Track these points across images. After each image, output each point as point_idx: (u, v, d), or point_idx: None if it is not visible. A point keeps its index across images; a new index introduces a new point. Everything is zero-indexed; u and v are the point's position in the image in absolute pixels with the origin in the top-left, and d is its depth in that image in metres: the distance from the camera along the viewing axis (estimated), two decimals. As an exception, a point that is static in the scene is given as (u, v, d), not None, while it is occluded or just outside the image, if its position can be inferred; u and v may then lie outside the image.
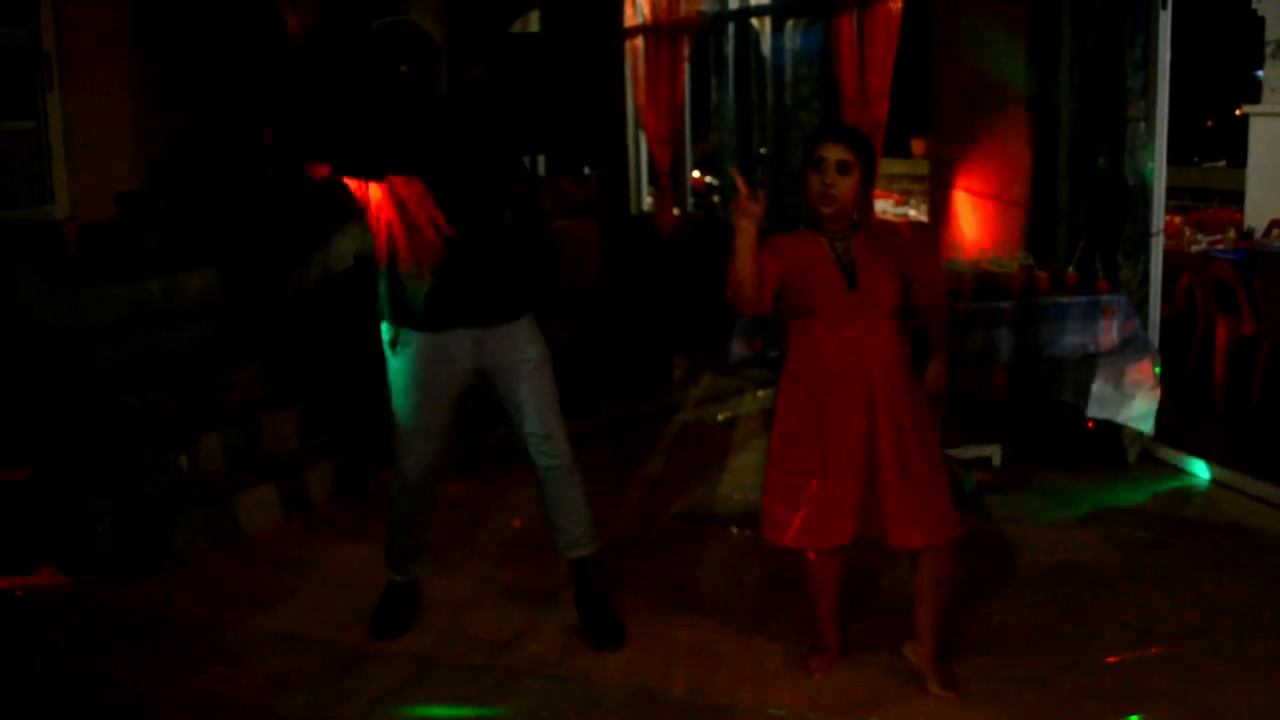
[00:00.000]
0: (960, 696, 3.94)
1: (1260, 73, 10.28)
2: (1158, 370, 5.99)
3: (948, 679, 3.99)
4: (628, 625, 4.49)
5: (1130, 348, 5.94)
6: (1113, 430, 6.16)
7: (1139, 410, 6.00)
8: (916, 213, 9.66)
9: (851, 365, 3.84)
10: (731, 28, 9.86)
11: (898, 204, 10.11)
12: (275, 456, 5.96)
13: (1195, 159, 11.39)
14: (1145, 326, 6.08)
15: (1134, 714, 3.83)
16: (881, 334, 3.86)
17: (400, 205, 4.13)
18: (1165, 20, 5.95)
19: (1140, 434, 6.12)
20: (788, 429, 3.96)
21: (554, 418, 4.40)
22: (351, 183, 4.17)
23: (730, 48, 9.94)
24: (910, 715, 3.88)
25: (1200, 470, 6.01)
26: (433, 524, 4.65)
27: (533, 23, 11.60)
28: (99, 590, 4.95)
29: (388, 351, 4.35)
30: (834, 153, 3.79)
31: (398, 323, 4.28)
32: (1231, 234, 7.80)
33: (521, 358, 4.32)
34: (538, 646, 4.43)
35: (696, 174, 11.43)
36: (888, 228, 4.12)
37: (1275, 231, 8.14)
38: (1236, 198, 9.63)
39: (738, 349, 6.59)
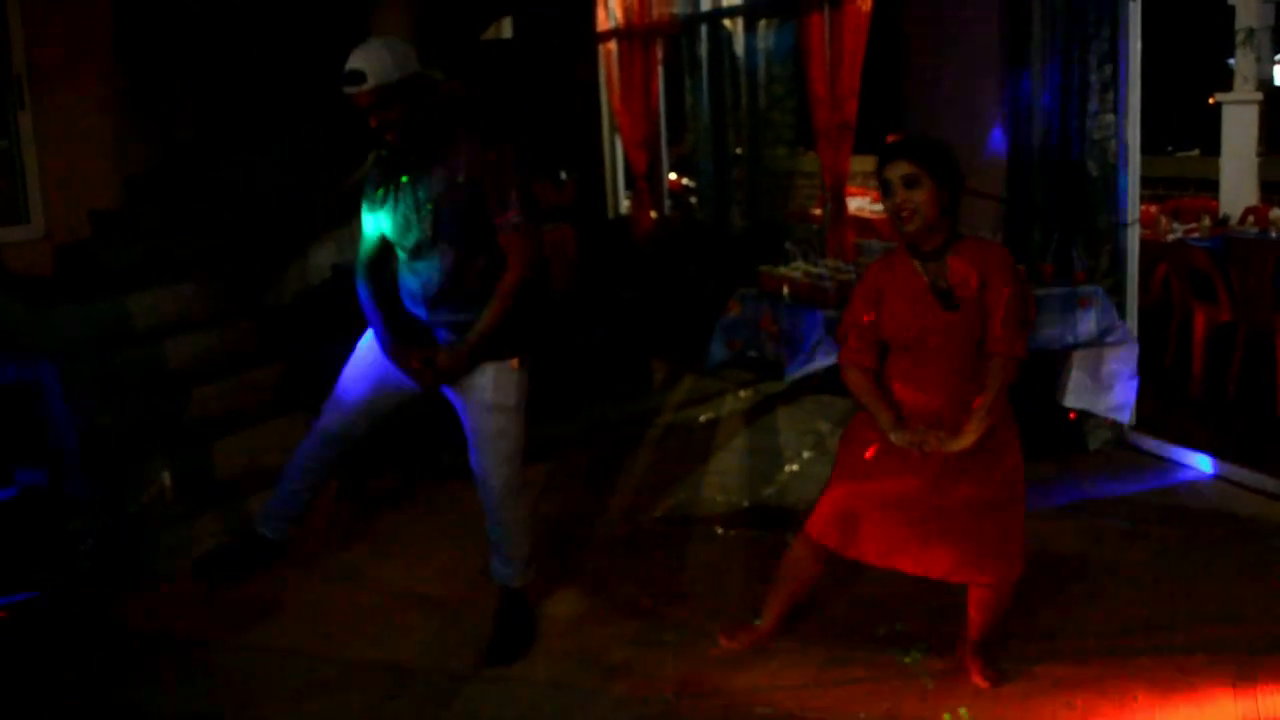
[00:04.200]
0: (951, 690, 3.95)
1: (1232, 61, 10.32)
2: (1136, 359, 6.02)
3: (987, 671, 4.00)
4: (614, 627, 4.48)
5: (1108, 338, 5.96)
6: (1077, 418, 6.19)
7: (1118, 400, 6.02)
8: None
9: (932, 403, 3.77)
10: (704, 29, 9.88)
11: (875, 200, 10.12)
12: (262, 468, 5.93)
13: (1169, 148, 11.43)
14: (1123, 316, 6.10)
15: (1119, 702, 3.84)
16: (969, 368, 3.75)
17: None
18: (1135, 11, 5.98)
19: (1104, 422, 6.14)
20: (860, 438, 3.91)
21: (498, 461, 4.41)
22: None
23: (703, 49, 9.96)
24: (901, 713, 3.89)
25: (1181, 458, 6.03)
26: (307, 496, 4.84)
27: (506, 29, 11.60)
28: (82, 609, 4.92)
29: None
30: (896, 170, 3.67)
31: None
32: (1206, 222, 7.83)
33: (482, 397, 4.36)
34: (528, 649, 4.42)
35: (673, 176, 11.43)
36: (983, 246, 3.85)
37: (1250, 219, 8.17)
38: (1210, 186, 9.67)
39: (718, 350, 6.61)
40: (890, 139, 3.80)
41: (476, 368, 4.32)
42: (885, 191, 3.71)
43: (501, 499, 4.46)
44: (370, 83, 4.10)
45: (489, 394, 4.34)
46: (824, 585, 4.77)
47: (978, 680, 3.99)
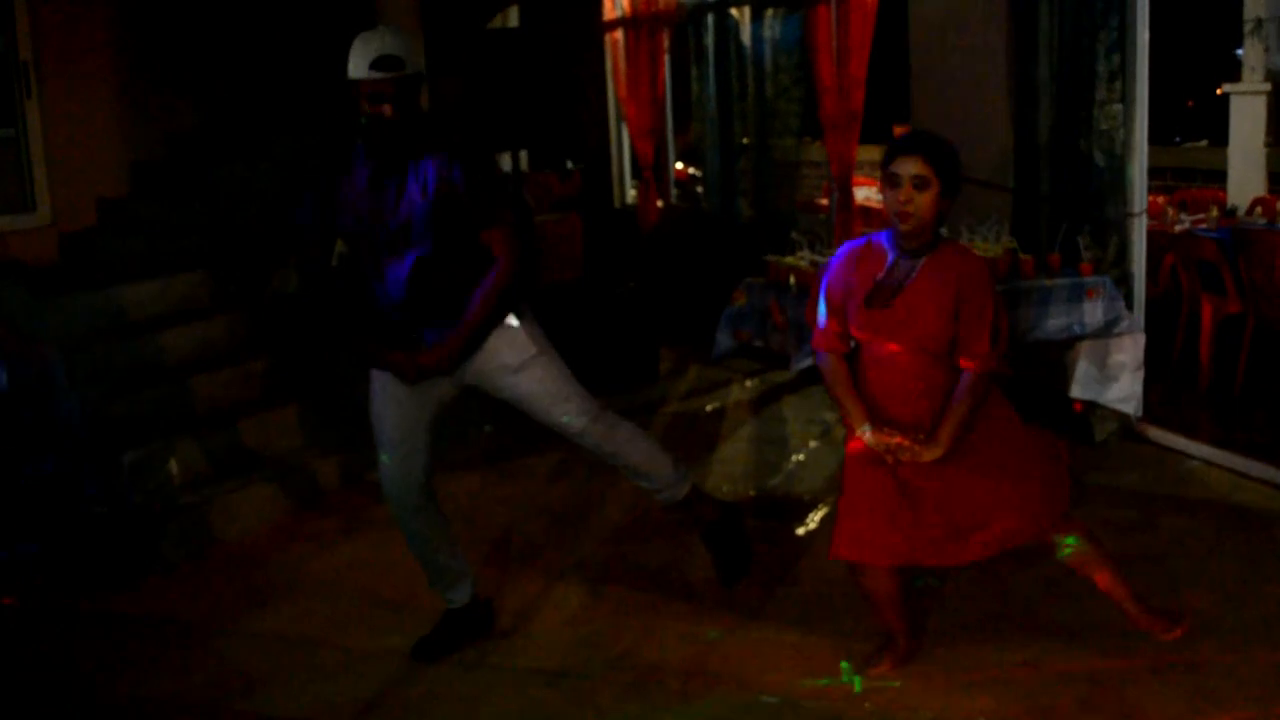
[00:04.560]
0: (951, 679, 3.95)
1: (1240, 51, 10.28)
2: (1143, 350, 6.01)
3: (1159, 621, 4.06)
4: (620, 615, 4.49)
5: (1115, 328, 5.95)
6: (1084, 409, 6.18)
7: (1124, 391, 6.01)
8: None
9: (884, 393, 3.75)
10: (711, 19, 9.86)
11: (880, 190, 10.09)
12: (266, 457, 5.94)
13: (1177, 139, 11.38)
14: (1130, 307, 6.09)
15: (1126, 693, 3.83)
16: (916, 367, 3.71)
17: None
18: (1143, 1, 5.95)
19: (1111, 414, 6.13)
20: (852, 446, 3.86)
21: (559, 407, 4.25)
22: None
23: (710, 38, 9.94)
24: (904, 700, 3.88)
25: (1188, 450, 6.01)
26: (450, 543, 4.44)
27: (512, 18, 11.58)
28: (88, 597, 4.93)
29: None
30: (909, 167, 3.62)
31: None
32: (1214, 213, 7.79)
33: (499, 365, 4.20)
34: (528, 640, 4.43)
35: (679, 166, 11.42)
36: (960, 255, 3.79)
37: (1258, 209, 8.14)
38: (1219, 177, 9.63)
39: (724, 340, 6.60)
40: (898, 131, 3.77)
41: (477, 349, 4.18)
42: (891, 184, 3.65)
43: (596, 434, 4.30)
44: (406, 69, 3.96)
45: (506, 359, 4.19)
46: (837, 579, 4.79)
47: (1160, 634, 4.04)
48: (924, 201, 3.62)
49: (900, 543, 3.79)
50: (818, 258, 6.27)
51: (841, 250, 3.91)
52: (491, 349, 4.18)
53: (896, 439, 3.69)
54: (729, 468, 6.22)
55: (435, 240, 4.07)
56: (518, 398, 4.25)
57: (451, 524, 4.46)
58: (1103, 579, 4.01)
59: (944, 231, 3.86)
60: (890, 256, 3.75)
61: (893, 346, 3.71)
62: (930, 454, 3.69)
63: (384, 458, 4.24)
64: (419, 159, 4.06)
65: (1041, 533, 3.88)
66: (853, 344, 3.85)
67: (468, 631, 4.45)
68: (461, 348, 4.10)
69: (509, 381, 4.21)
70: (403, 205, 4.06)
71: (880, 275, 3.73)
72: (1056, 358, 6.07)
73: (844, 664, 4.08)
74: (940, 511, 3.77)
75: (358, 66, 3.98)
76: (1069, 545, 3.93)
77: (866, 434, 3.74)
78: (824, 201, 9.47)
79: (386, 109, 3.99)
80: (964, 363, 3.69)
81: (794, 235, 6.57)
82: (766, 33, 9.87)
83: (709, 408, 7.37)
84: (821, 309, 3.88)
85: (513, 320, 4.21)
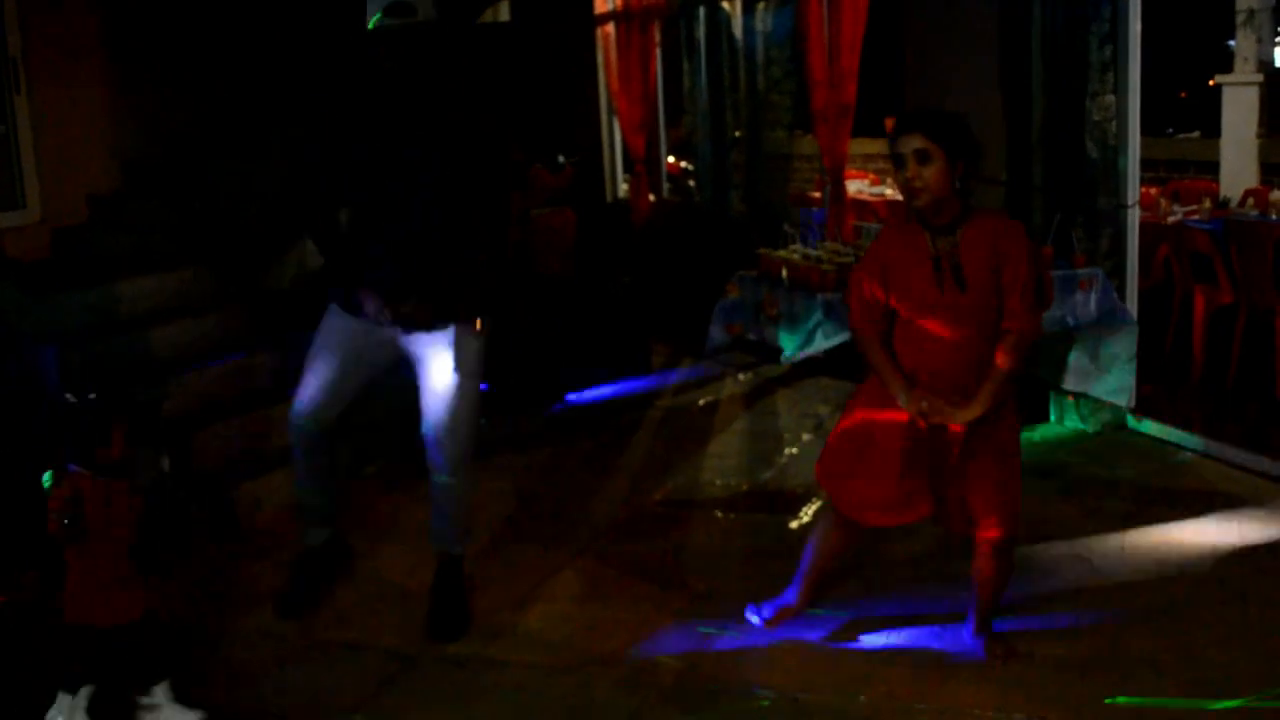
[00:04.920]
0: (947, 672, 3.95)
1: (1232, 43, 10.28)
2: (1135, 342, 6.01)
3: (994, 647, 4.04)
4: (614, 610, 4.48)
5: (1108, 320, 5.95)
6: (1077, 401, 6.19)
7: (1117, 382, 6.01)
8: (892, 191, 9.65)
9: (942, 371, 3.76)
10: (702, 12, 9.85)
11: (874, 183, 10.10)
12: (259, 453, 5.92)
13: (1169, 130, 11.39)
14: (1123, 298, 6.09)
15: (1121, 684, 3.83)
16: (978, 340, 3.72)
17: None
18: (1135, -8, 5.96)
19: (1103, 405, 6.14)
20: (870, 402, 3.89)
21: (449, 420, 4.39)
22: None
23: (702, 32, 9.94)
24: (901, 694, 3.88)
25: (1180, 441, 6.02)
26: (333, 489, 4.77)
27: (503, 12, 11.56)
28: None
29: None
30: (909, 143, 3.63)
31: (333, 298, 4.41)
32: (1207, 204, 7.80)
33: (441, 355, 4.34)
34: (521, 635, 4.42)
35: (671, 159, 11.41)
36: (994, 218, 3.80)
37: (1250, 201, 8.14)
38: (1211, 168, 9.64)
39: (717, 334, 6.61)
40: (890, 124, 3.78)
41: (442, 326, 4.30)
42: (897, 164, 3.67)
43: (456, 462, 4.43)
44: (419, 16, 4.01)
45: (453, 351, 4.32)
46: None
47: (988, 657, 4.00)
48: (930, 174, 3.61)
49: (896, 504, 3.90)
50: (810, 251, 6.27)
51: (878, 237, 3.94)
52: (449, 338, 4.31)
53: (937, 404, 3.72)
54: (722, 461, 6.22)
55: (438, 202, 4.17)
56: (433, 388, 4.38)
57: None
58: (983, 576, 4.01)
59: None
60: (926, 237, 3.73)
61: (949, 321, 3.71)
62: (965, 415, 3.72)
63: (306, 393, 4.47)
64: (434, 116, 4.13)
65: (995, 540, 3.93)
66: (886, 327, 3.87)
67: (325, 570, 4.74)
68: (447, 300, 4.26)
69: (440, 370, 4.35)
70: (413, 160, 4.16)
71: (933, 261, 3.71)
72: (1049, 349, 6.07)
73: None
74: (935, 476, 3.84)
75: (372, 16, 4.04)
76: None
77: (906, 402, 3.75)
78: (816, 195, 9.47)
79: (401, 58, 4.05)
80: (1010, 324, 3.70)
81: (786, 228, 6.57)
82: (758, 25, 9.87)
83: (701, 401, 7.36)
84: (857, 293, 3.88)
85: (478, 327, 4.36)
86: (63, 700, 3.82)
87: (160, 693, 3.90)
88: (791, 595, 4.28)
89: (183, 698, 3.92)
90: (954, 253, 3.69)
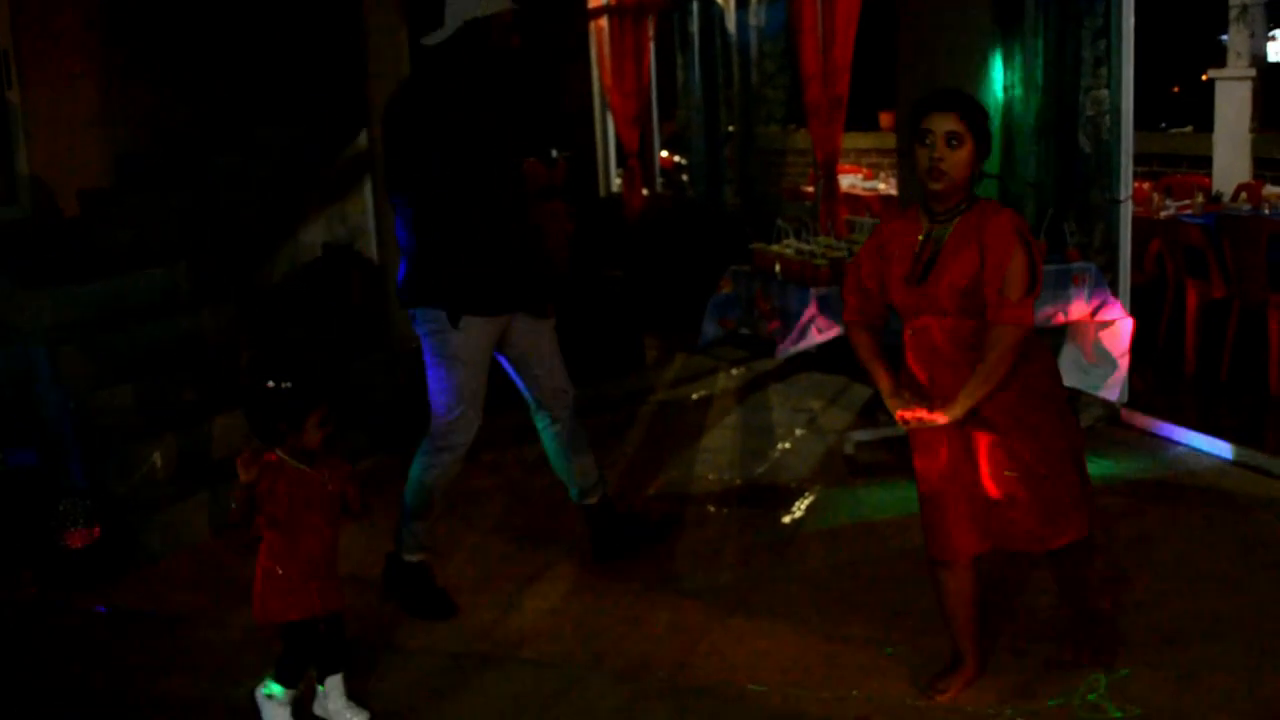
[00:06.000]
0: (942, 668, 3.94)
1: (1225, 37, 10.29)
2: (1129, 336, 6.01)
3: (1101, 656, 3.94)
4: (607, 606, 4.49)
5: (1100, 315, 5.96)
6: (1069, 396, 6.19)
7: (1110, 377, 6.02)
8: (886, 186, 9.66)
9: (928, 363, 3.60)
10: (696, 6, 9.85)
11: (866, 178, 10.10)
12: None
13: (1163, 125, 11.39)
14: (1116, 293, 6.09)
15: (1116, 678, 3.84)
16: (959, 334, 3.52)
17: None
18: (1129, -13, 5.96)
19: (1096, 400, 6.14)
20: (915, 447, 3.71)
21: (565, 382, 4.77)
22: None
23: (695, 26, 9.94)
24: (890, 689, 3.88)
25: (1173, 435, 6.02)
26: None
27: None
28: (72, 592, 4.91)
29: (431, 336, 4.41)
30: (942, 124, 3.42)
31: (460, 309, 4.37)
32: (1200, 199, 7.81)
33: (540, 324, 4.60)
34: (520, 628, 4.42)
35: (664, 154, 11.41)
36: (990, 210, 3.55)
37: (1243, 195, 8.15)
38: (1204, 163, 9.64)
39: (710, 328, 6.60)
40: (884, 118, 3.73)
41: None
42: (921, 141, 3.45)
43: (573, 405, 4.81)
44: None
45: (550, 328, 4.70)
46: (824, 566, 4.79)
47: (1093, 665, 3.89)
48: (957, 160, 3.43)
49: (978, 534, 3.68)
50: (803, 245, 6.26)
51: (881, 221, 3.84)
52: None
53: (913, 411, 3.57)
54: (715, 456, 6.22)
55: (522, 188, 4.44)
56: (542, 361, 4.69)
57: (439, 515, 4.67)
58: (1065, 584, 3.95)
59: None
60: (923, 226, 3.58)
61: (930, 319, 3.55)
62: (943, 417, 3.51)
63: (472, 410, 4.47)
64: (521, 95, 4.28)
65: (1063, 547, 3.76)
66: (886, 316, 3.77)
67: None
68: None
69: (551, 346, 4.69)
70: (520, 149, 4.48)
71: (916, 249, 3.57)
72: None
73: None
74: (984, 499, 3.66)
75: (492, 1, 4.21)
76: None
77: (890, 404, 3.65)
78: (809, 189, 9.47)
79: (515, 39, 4.28)
80: (991, 317, 3.46)
81: (779, 223, 6.56)
82: (751, 20, 9.86)
83: (695, 396, 7.36)
84: (854, 280, 3.76)
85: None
86: (331, 681, 3.79)
87: (332, 686, 3.83)
88: (963, 660, 3.87)
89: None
90: (941, 242, 3.53)
